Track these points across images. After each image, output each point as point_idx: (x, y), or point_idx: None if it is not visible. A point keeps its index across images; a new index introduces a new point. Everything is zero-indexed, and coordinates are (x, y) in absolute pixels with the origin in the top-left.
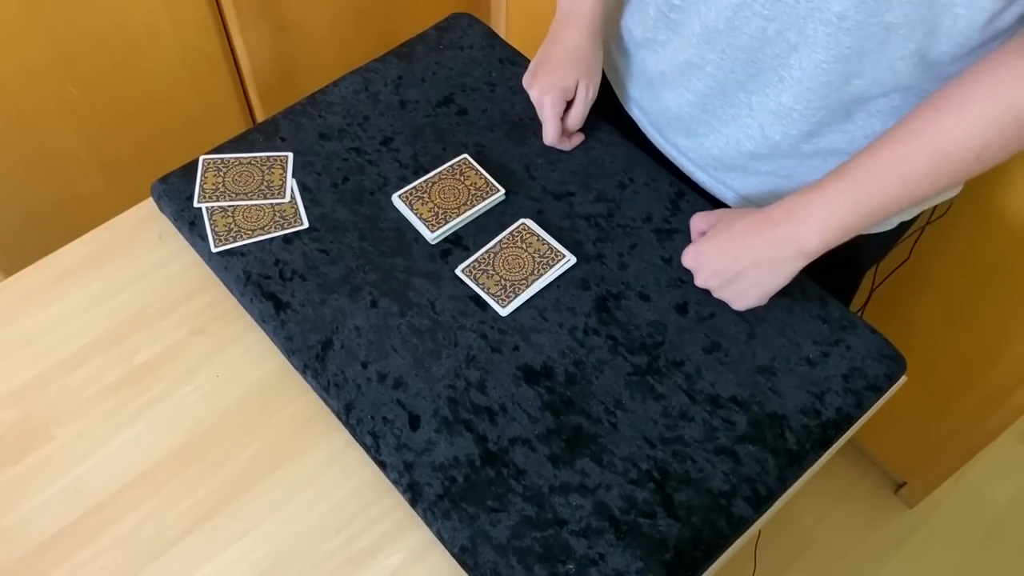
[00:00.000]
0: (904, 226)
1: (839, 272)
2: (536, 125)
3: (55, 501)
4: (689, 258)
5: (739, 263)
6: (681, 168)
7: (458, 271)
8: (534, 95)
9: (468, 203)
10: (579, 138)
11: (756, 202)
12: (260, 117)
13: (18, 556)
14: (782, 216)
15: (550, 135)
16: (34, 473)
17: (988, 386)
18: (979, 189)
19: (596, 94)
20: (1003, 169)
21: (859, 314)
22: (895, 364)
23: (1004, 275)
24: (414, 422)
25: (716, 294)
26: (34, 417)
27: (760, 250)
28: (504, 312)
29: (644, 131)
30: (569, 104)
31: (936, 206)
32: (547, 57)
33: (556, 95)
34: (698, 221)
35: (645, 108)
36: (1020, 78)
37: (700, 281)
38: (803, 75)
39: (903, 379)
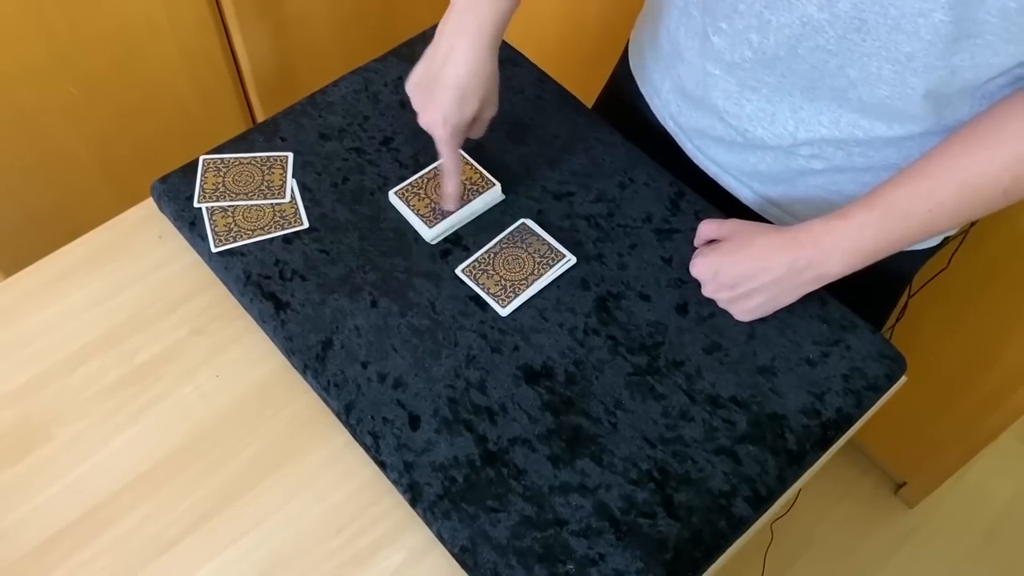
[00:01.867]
0: (947, 239)
1: (880, 287)
2: (536, 125)
3: (55, 501)
4: (701, 268)
5: (756, 280)
6: (719, 183)
7: (458, 271)
8: (421, 120)
9: (464, 197)
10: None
11: (799, 216)
12: (260, 117)
13: (18, 556)
14: (808, 241)
15: (448, 165)
16: (34, 473)
17: (988, 386)
18: None
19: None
20: None
21: (894, 325)
22: (895, 364)
23: (1004, 275)
24: (414, 422)
25: (722, 305)
26: (34, 417)
27: (781, 272)
28: (504, 312)
29: (680, 145)
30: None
31: None
32: (436, 77)
33: (446, 129)
34: (708, 229)
35: (682, 124)
36: None
37: (709, 291)
38: (863, 106)
39: (903, 379)
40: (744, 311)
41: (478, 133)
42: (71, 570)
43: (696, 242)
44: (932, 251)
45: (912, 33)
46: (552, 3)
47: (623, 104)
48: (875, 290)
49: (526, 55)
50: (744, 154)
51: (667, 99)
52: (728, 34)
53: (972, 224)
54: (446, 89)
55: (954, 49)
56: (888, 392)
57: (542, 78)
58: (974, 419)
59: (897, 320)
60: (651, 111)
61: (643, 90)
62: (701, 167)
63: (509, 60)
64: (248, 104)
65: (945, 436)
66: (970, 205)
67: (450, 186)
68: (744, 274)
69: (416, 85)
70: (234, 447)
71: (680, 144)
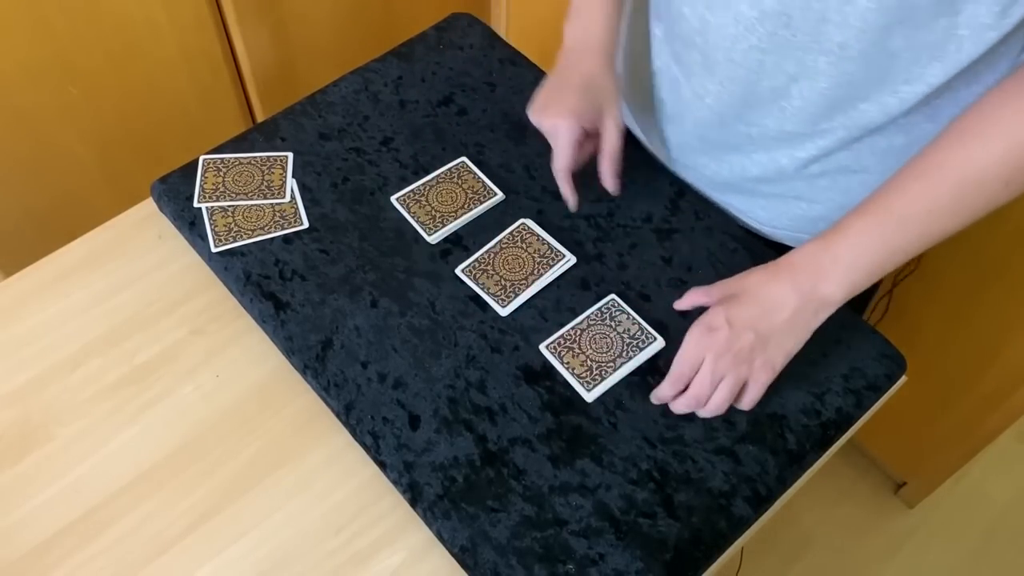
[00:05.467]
0: None
1: None
2: None
3: (55, 501)
4: (712, 318)
5: (773, 317)
6: (691, 186)
7: (458, 271)
8: (546, 122)
9: (465, 207)
10: (616, 179)
11: (763, 223)
12: (260, 117)
13: (18, 556)
14: (804, 262)
15: (563, 161)
16: (34, 473)
17: (988, 386)
18: None
19: (623, 124)
20: None
21: (876, 321)
22: (895, 364)
23: (1005, 275)
24: (414, 422)
25: (739, 369)
26: (34, 417)
27: (792, 301)
28: (504, 312)
29: (651, 152)
30: (588, 139)
31: None
32: (559, 85)
33: (572, 121)
34: (695, 296)
35: (648, 134)
36: None
37: (728, 348)
38: (805, 103)
39: (903, 379)
40: (764, 364)
41: (614, 149)
42: (71, 570)
43: (681, 305)
44: None
45: (841, 23)
46: (552, 3)
47: None
48: None
49: (526, 55)
50: (701, 166)
51: (632, 111)
52: (685, 40)
53: None
54: (563, 91)
55: (887, 35)
56: (888, 392)
57: (542, 78)
58: (974, 419)
59: (882, 317)
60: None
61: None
62: (675, 173)
63: (509, 60)
64: (248, 104)
65: (945, 436)
66: (971, 202)
67: (563, 188)
68: (757, 313)
69: (537, 103)
70: (234, 447)
71: (650, 151)
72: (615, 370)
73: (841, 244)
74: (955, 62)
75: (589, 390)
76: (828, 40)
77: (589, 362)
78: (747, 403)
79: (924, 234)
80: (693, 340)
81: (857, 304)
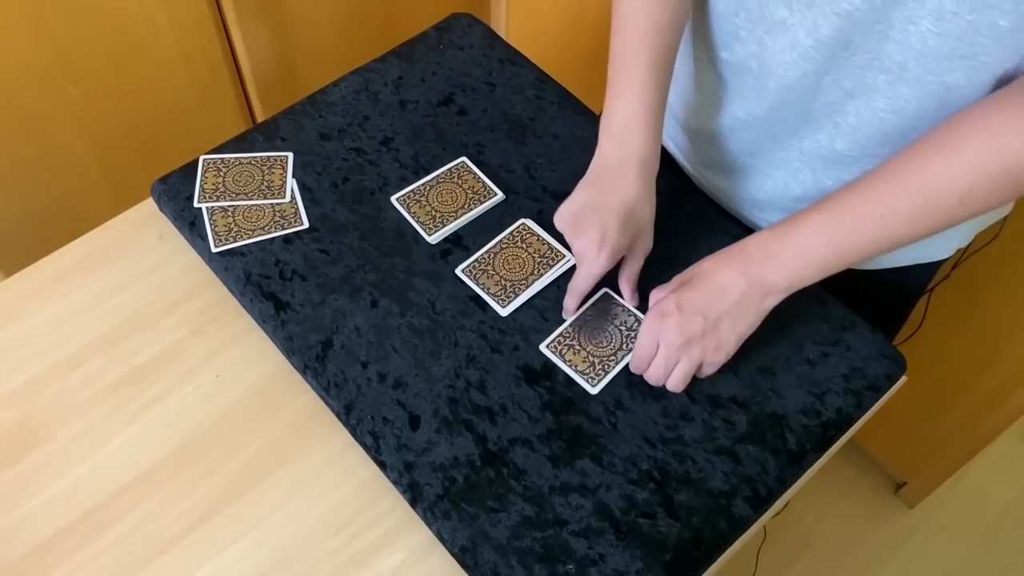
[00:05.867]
0: (959, 252)
1: (891, 301)
2: (536, 125)
3: (55, 501)
4: (663, 305)
5: (722, 303)
6: (719, 204)
7: (458, 271)
8: (579, 244)
9: (466, 207)
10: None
11: None
12: (260, 117)
13: (18, 556)
14: (756, 249)
15: (584, 286)
16: (34, 473)
17: (988, 386)
18: None
19: (649, 249)
20: None
21: (907, 337)
22: (895, 364)
23: (1004, 275)
24: (414, 422)
25: (691, 352)
26: (34, 417)
27: (740, 286)
28: (504, 312)
29: (680, 165)
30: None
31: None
32: (596, 205)
33: (608, 256)
34: (658, 295)
35: (682, 147)
36: (1013, 124)
37: (679, 331)
38: (860, 122)
39: (903, 379)
40: (716, 345)
41: (634, 276)
42: (71, 570)
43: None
44: (940, 264)
45: (902, 43)
46: (552, 3)
47: None
48: (884, 306)
49: (526, 55)
50: (743, 182)
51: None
52: (733, 67)
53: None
54: (610, 212)
55: (947, 67)
56: (888, 392)
57: (542, 78)
58: (974, 419)
59: (912, 334)
60: None
61: None
62: (702, 189)
63: (509, 60)
64: (248, 104)
65: (945, 436)
66: (926, 212)
67: (570, 302)
68: (706, 298)
69: (573, 214)
70: (234, 447)
71: (679, 164)
72: (617, 363)
73: (792, 235)
74: None
75: (594, 385)
76: (889, 59)
77: (591, 358)
78: (703, 375)
79: (878, 238)
80: (647, 326)
81: (894, 318)
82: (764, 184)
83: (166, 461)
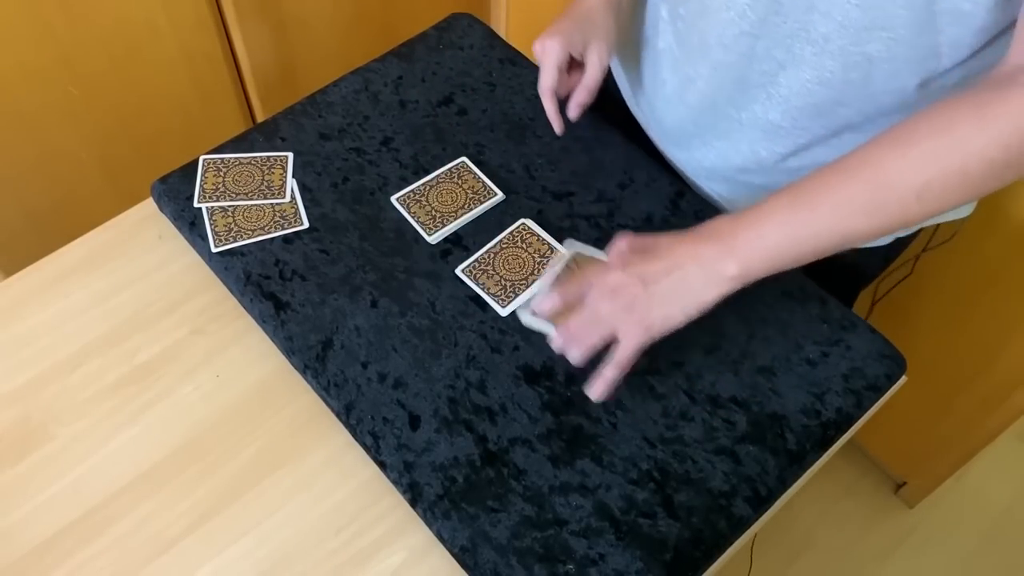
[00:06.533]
0: (901, 242)
1: (835, 285)
2: (537, 125)
3: (55, 501)
4: (617, 262)
5: (667, 275)
6: (679, 173)
7: (458, 271)
8: (537, 44)
9: (466, 207)
10: (579, 109)
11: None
12: (260, 117)
13: (18, 556)
14: (710, 233)
15: (546, 80)
16: (34, 473)
17: (988, 386)
18: None
19: (608, 61)
20: None
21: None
22: (895, 364)
23: (1004, 275)
24: (414, 422)
25: (614, 303)
26: (34, 417)
27: (686, 264)
28: (504, 312)
29: (648, 135)
30: (575, 69)
31: (940, 226)
32: (561, 17)
33: (559, 43)
34: (624, 240)
35: (645, 115)
36: (971, 122)
37: (616, 282)
38: (790, 93)
39: (903, 379)
40: (640, 318)
41: (591, 81)
42: (71, 570)
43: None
44: (889, 258)
45: (825, 13)
46: (552, 3)
47: (618, 104)
48: (829, 291)
49: (526, 55)
50: (691, 151)
51: (632, 92)
52: (686, 20)
53: (935, 232)
54: (569, 18)
55: (867, 37)
56: (888, 392)
57: None
58: (974, 419)
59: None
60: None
61: (619, 84)
62: (666, 160)
63: (509, 60)
64: (248, 104)
65: (945, 436)
66: (883, 206)
67: (549, 105)
68: (653, 269)
69: (546, 32)
70: (234, 447)
71: (648, 134)
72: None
73: (747, 221)
74: (936, 80)
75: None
76: (814, 29)
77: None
78: (614, 363)
79: (834, 229)
80: (590, 272)
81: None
82: (709, 153)
83: (166, 461)
